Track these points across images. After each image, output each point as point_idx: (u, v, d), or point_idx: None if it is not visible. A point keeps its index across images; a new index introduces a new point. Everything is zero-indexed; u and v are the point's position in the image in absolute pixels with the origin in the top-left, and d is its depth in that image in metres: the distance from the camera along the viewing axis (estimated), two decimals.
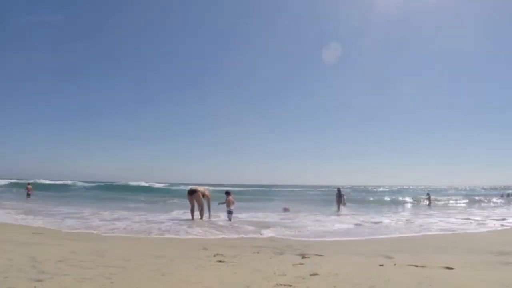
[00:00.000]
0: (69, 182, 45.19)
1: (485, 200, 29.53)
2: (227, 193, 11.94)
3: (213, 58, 76.99)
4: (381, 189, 52.14)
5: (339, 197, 15.84)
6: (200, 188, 11.78)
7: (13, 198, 22.04)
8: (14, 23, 58.20)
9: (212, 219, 11.60)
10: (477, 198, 32.11)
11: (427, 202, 25.18)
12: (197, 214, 11.60)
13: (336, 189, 17.00)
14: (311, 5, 69.46)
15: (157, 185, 42.00)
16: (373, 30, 65.25)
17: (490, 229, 10.47)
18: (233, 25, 73.85)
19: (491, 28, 67.50)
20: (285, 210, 16.34)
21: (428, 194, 27.54)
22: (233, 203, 11.78)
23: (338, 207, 15.73)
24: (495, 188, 52.76)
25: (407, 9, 66.17)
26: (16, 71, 67.32)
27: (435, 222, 12.08)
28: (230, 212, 11.51)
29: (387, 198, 30.09)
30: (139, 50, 73.67)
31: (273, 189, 43.49)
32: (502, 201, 28.97)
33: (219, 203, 11.99)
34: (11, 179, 42.90)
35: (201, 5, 69.44)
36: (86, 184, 44.47)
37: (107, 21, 68.95)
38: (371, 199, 27.98)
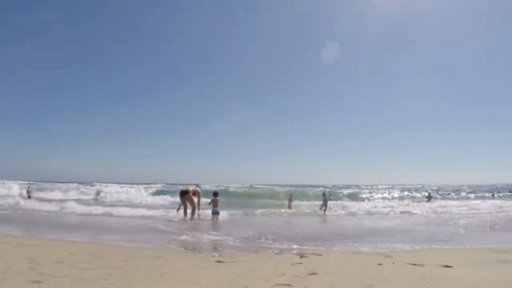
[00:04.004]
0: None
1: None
2: (215, 194, 12.16)
3: (209, 56, 76.61)
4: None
5: (324, 201, 16.20)
6: (190, 188, 12.10)
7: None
8: (10, 21, 57.69)
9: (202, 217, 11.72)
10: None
11: (427, 200, 25.13)
12: (189, 213, 11.81)
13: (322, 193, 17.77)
14: (310, 4, 69.34)
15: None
16: (372, 30, 65.30)
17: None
18: (231, 23, 73.66)
19: (491, 27, 67.56)
20: (289, 207, 16.72)
21: (429, 192, 27.49)
22: (219, 204, 12.00)
23: (321, 209, 16.01)
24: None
25: (406, 8, 66.09)
26: None
27: None
28: (215, 213, 11.65)
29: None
30: (128, 47, 72.93)
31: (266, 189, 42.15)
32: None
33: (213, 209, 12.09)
34: None
35: (198, 3, 69.15)
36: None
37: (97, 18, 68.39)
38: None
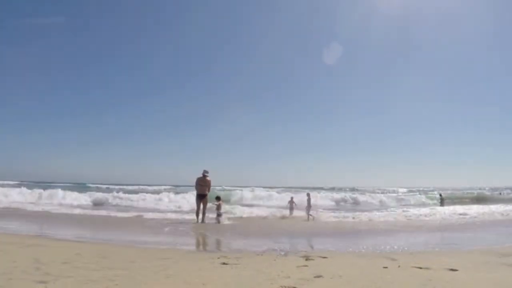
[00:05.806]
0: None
1: None
2: (218, 198, 12.53)
3: (209, 57, 76.75)
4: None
5: (309, 202, 15.77)
6: (208, 179, 12.17)
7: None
8: (14, 24, 58.34)
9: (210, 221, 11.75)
10: None
11: (440, 203, 24.77)
12: (200, 217, 11.82)
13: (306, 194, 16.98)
14: (311, 4, 69.22)
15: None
16: (373, 30, 64.93)
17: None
18: (234, 25, 73.73)
19: (492, 27, 67.24)
20: (291, 209, 16.62)
21: (440, 194, 27.07)
22: (222, 207, 12.50)
23: (307, 212, 15.60)
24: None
25: (410, 9, 65.87)
26: None
27: None
28: (219, 215, 12.04)
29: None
30: (131, 50, 73.48)
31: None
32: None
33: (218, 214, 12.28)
34: None
35: (200, 6, 69.33)
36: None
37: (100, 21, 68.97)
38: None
